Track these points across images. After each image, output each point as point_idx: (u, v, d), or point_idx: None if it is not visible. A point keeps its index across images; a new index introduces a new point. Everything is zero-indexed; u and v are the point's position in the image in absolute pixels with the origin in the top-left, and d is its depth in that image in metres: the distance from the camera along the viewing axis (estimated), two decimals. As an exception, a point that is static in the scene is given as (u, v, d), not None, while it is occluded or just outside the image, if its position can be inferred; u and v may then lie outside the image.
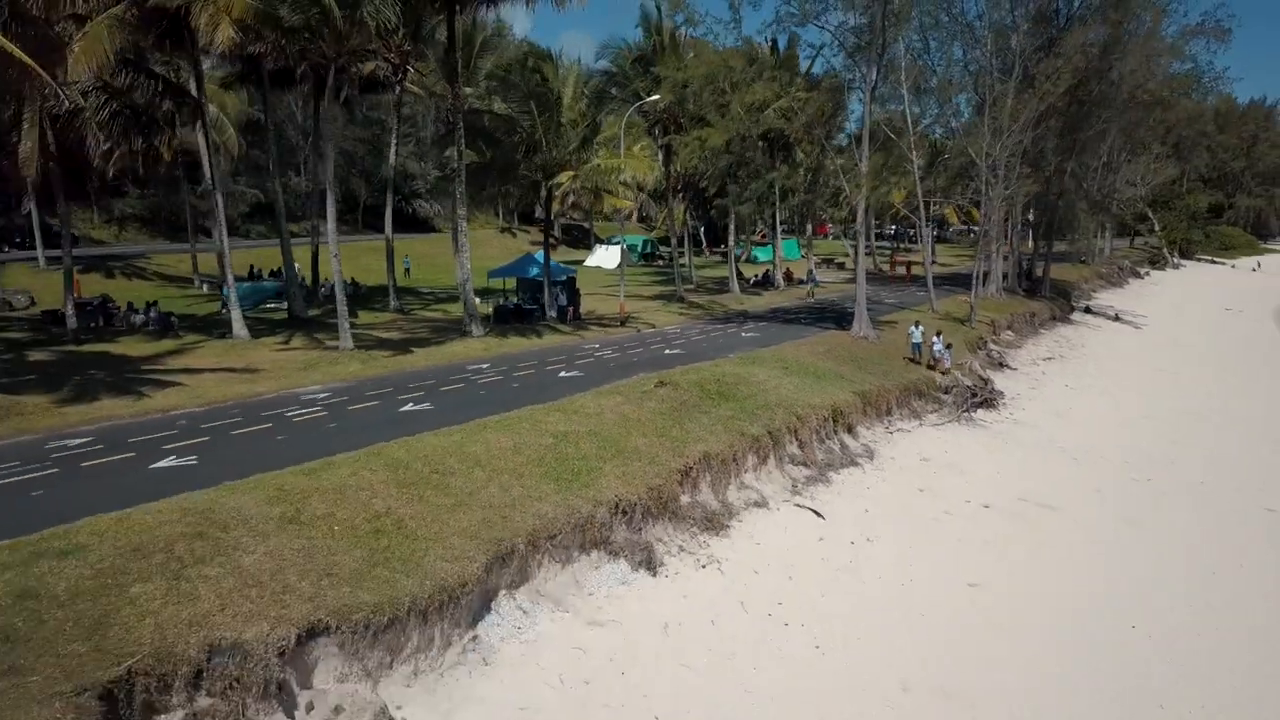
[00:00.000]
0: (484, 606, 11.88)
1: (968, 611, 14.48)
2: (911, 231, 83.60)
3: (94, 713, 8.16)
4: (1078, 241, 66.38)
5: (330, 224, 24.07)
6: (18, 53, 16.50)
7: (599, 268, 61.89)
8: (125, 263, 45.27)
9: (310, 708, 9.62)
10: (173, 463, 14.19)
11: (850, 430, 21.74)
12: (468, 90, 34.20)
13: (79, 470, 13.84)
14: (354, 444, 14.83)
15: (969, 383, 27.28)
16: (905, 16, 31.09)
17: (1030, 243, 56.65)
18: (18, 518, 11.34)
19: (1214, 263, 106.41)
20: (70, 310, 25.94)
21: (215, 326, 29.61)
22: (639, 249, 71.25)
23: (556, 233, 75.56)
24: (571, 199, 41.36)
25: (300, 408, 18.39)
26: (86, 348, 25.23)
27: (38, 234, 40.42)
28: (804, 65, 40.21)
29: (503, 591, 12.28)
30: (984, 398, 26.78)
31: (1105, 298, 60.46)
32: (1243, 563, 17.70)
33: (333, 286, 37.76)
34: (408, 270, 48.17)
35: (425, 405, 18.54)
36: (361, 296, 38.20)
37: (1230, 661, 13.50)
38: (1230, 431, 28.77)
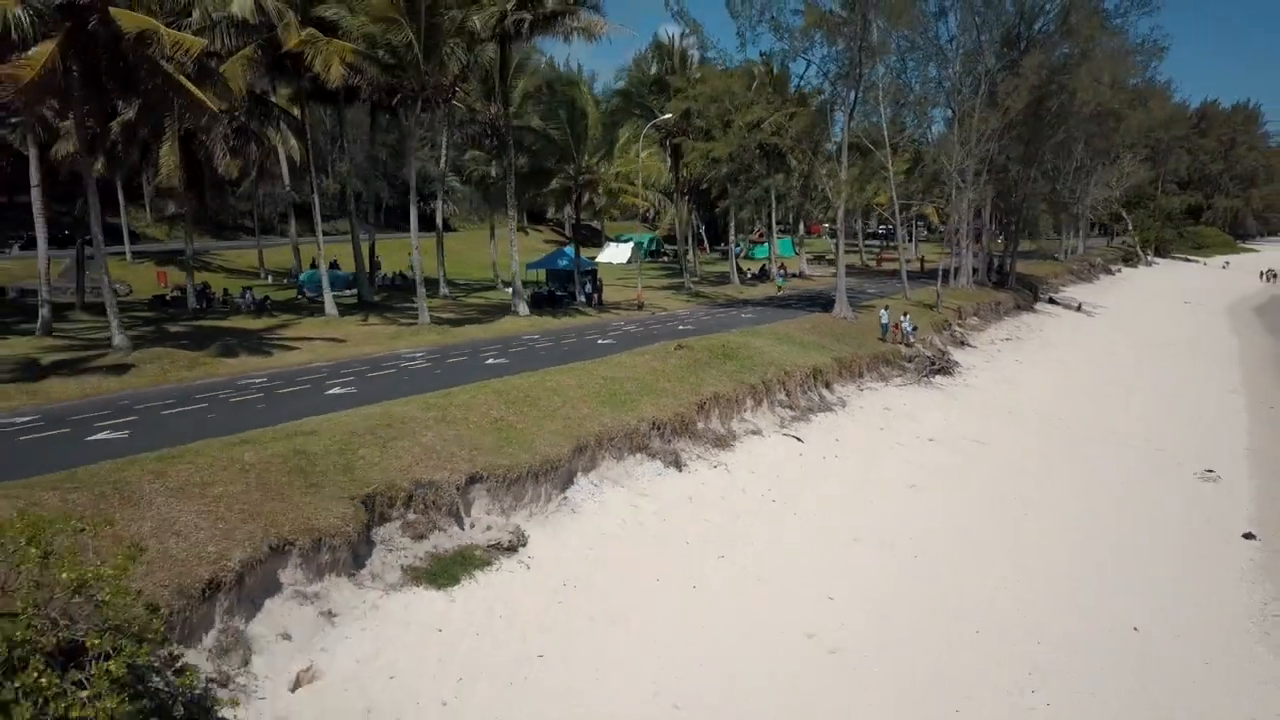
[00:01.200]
0: (569, 480, 17.55)
1: (905, 500, 20.20)
2: (884, 229, 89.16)
3: (361, 510, 13.82)
4: (1039, 240, 72.23)
5: (413, 225, 29.75)
6: (197, 93, 22.12)
7: (609, 263, 67.54)
8: (193, 257, 50.73)
9: (472, 525, 15.29)
10: (339, 390, 19.87)
11: (828, 386, 27.43)
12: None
13: (278, 395, 19.53)
14: (461, 381, 20.50)
15: (929, 354, 32.98)
16: (882, 51, 36.83)
17: (1001, 241, 62.36)
18: (259, 418, 17.01)
19: (1188, 260, 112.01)
20: (191, 294, 31.57)
21: (299, 309, 35.24)
22: (645, 246, 76.71)
23: (568, 231, 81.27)
24: (589, 199, 46.79)
25: (407, 362, 24.08)
26: (206, 323, 30.86)
27: (125, 232, 46.05)
28: (794, 86, 45.68)
29: (580, 473, 17.94)
30: (941, 366, 32.48)
31: (1072, 291, 66.16)
32: (1122, 480, 23.47)
33: (384, 276, 43.49)
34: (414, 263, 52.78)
35: (502, 360, 24.23)
36: (410, 286, 43.85)
37: (1083, 529, 19.27)
38: (1148, 397, 34.50)
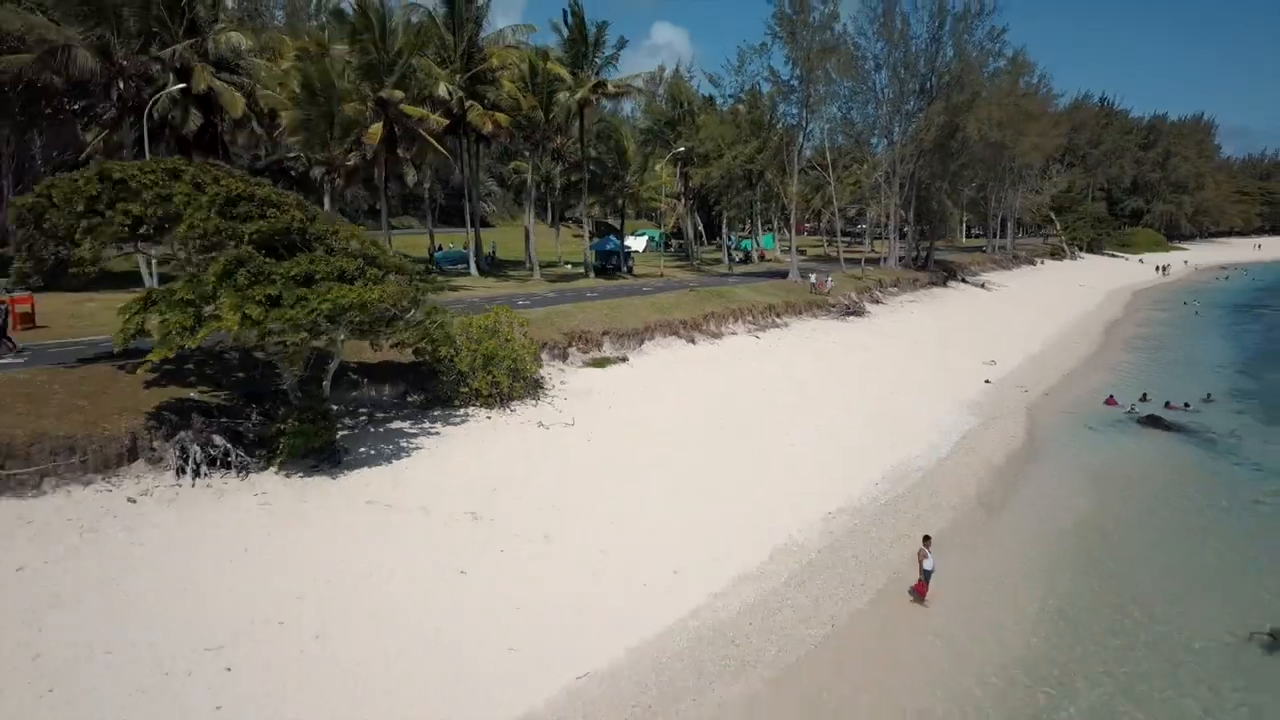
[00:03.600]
0: (641, 341, 36.51)
1: (810, 361, 39.23)
2: (860, 228, 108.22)
3: (564, 337, 32.77)
4: (951, 237, 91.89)
5: (529, 219, 48.50)
6: (440, 147, 40.94)
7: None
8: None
9: (604, 350, 34.27)
10: (522, 304, 38.78)
11: (778, 315, 46.44)
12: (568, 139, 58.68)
13: (484, 306, 38.39)
14: (579, 302, 39.41)
15: (846, 303, 52.02)
16: (824, 103, 56.06)
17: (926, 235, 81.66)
18: (477, 309, 35.90)
19: (1114, 256, 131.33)
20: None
21: (440, 275, 53.93)
22: (656, 240, 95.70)
23: (591, 227, 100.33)
24: (622, 203, 65.85)
25: (543, 295, 42.93)
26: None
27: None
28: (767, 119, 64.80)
29: (646, 340, 36.89)
30: (855, 310, 51.52)
31: (987, 276, 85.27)
32: (940, 364, 42.57)
33: (483, 255, 62.03)
34: (495, 250, 71.38)
35: (594, 295, 43.22)
36: (499, 262, 62.85)
37: (902, 377, 38.40)
38: (991, 332, 53.53)
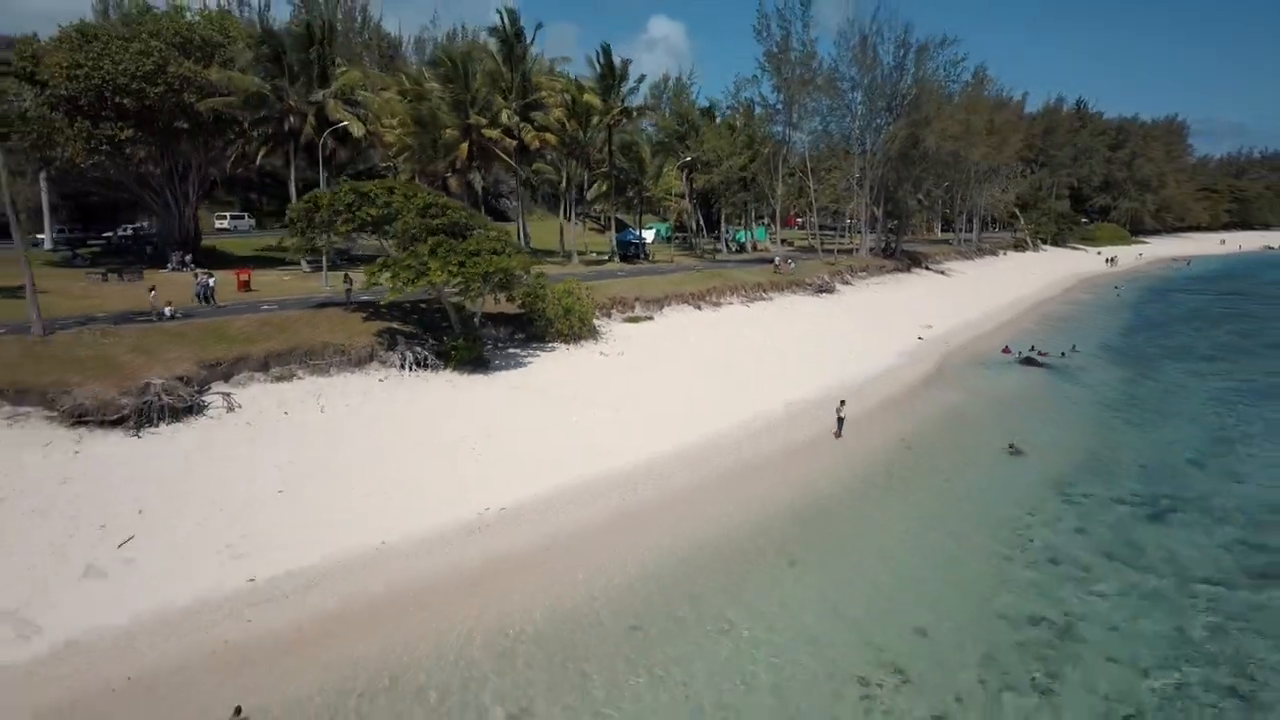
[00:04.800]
0: (662, 306, 49.65)
1: (787, 323, 52.41)
2: (839, 225, 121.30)
3: (608, 300, 45.89)
4: (917, 231, 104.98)
5: (567, 214, 61.39)
6: (509, 160, 53.97)
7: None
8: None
9: (636, 310, 47.39)
10: (572, 276, 51.89)
11: (764, 291, 59.57)
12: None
13: (554, 279, 51.57)
14: (613, 278, 52.49)
15: (819, 282, 65.21)
16: (801, 124, 69.11)
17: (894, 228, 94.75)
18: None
19: (1075, 249, 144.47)
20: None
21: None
22: (662, 233, 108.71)
23: (603, 222, 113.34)
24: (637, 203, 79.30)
25: (584, 275, 55.91)
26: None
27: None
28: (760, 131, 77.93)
29: (665, 305, 50.02)
30: (825, 288, 64.70)
31: (950, 264, 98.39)
32: (888, 326, 55.78)
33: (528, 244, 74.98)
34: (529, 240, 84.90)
35: (621, 274, 56.28)
36: (535, 251, 75.84)
37: (860, 335, 51.70)
38: (936, 303, 66.71)
